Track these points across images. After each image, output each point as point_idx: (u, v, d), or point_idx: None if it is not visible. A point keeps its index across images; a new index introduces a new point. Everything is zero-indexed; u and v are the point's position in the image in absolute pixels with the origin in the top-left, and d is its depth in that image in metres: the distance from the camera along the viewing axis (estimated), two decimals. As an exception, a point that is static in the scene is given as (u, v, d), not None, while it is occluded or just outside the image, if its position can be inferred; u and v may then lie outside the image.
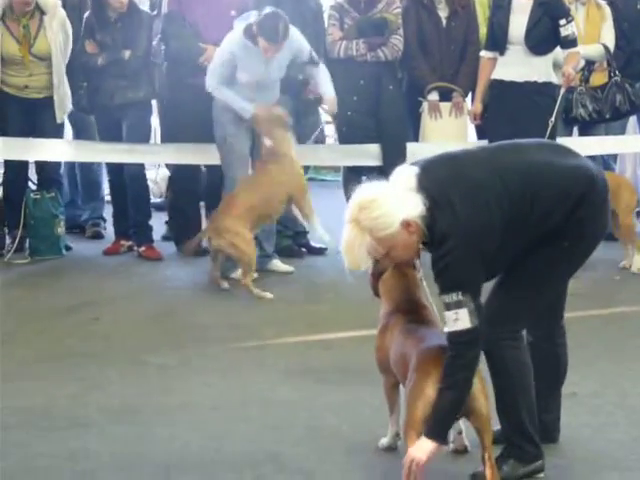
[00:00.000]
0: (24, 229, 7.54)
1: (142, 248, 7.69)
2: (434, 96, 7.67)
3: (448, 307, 3.63)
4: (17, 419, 4.49)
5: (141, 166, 7.73)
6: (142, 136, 7.54)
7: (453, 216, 3.61)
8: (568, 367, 4.18)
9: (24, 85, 7.39)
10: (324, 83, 7.13)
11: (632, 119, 8.41)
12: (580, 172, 3.79)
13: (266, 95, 6.99)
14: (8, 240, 7.59)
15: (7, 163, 7.67)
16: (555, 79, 7.31)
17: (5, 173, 7.75)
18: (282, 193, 6.70)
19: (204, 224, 7.73)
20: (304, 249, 7.71)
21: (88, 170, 8.28)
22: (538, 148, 3.91)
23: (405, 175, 3.70)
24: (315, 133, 7.95)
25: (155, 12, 7.88)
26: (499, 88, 7.34)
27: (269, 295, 6.51)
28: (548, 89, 7.28)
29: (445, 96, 7.71)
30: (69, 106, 7.50)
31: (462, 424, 4.00)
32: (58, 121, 7.48)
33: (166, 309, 6.40)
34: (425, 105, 7.71)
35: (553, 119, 7.03)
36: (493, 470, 3.67)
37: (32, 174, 7.95)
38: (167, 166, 8.43)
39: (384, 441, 4.15)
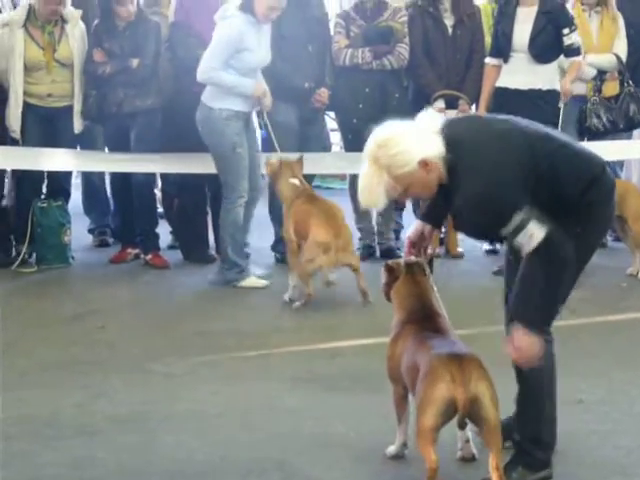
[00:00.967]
0: (31, 238, 7.55)
1: (149, 256, 7.70)
2: (440, 104, 7.66)
3: (517, 232, 3.55)
4: (22, 427, 4.48)
5: (148, 174, 7.74)
6: (150, 144, 7.53)
7: (476, 156, 3.59)
8: (574, 374, 4.16)
9: (47, 94, 7.45)
10: None
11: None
12: (594, 156, 3.83)
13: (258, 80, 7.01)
14: (15, 249, 7.61)
15: (18, 173, 7.67)
16: (559, 87, 7.31)
17: (17, 183, 7.74)
18: None
19: (210, 234, 7.76)
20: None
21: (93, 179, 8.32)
22: (557, 133, 3.97)
23: (429, 117, 3.73)
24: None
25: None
26: (503, 96, 7.34)
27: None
28: (552, 97, 7.28)
29: (451, 104, 7.70)
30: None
31: (469, 432, 3.99)
32: (76, 131, 7.53)
33: (172, 317, 6.40)
34: (431, 113, 7.70)
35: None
36: (501, 478, 3.65)
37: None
38: (161, 177, 8.33)
39: (392, 449, 4.13)
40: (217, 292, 6.86)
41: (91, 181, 8.39)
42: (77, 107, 7.47)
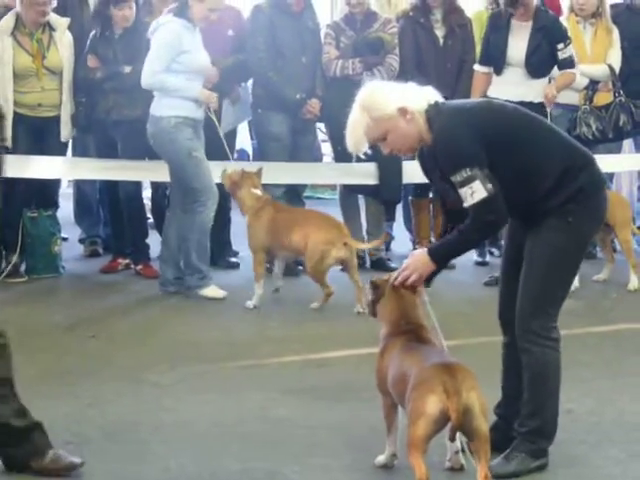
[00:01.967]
0: (21, 248, 7.54)
1: (139, 266, 7.69)
2: (430, 114, 7.68)
3: (461, 185, 3.77)
4: (13, 437, 4.47)
5: (137, 185, 7.74)
6: (137, 152, 7.51)
7: (454, 111, 3.89)
8: (564, 384, 4.18)
9: (37, 103, 7.41)
10: None
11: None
12: (581, 149, 4.05)
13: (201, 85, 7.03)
14: (5, 259, 7.58)
15: (7, 182, 7.64)
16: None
17: (6, 193, 7.68)
18: None
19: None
20: (300, 267, 7.70)
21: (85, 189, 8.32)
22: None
23: (425, 88, 3.96)
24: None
25: None
26: (493, 105, 7.36)
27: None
28: (543, 110, 7.30)
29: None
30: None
31: (459, 443, 3.99)
32: (63, 139, 7.51)
33: (163, 327, 6.40)
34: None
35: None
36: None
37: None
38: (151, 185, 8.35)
39: (381, 459, 4.14)
40: (208, 303, 6.86)
41: (82, 191, 8.37)
42: (64, 115, 7.46)
